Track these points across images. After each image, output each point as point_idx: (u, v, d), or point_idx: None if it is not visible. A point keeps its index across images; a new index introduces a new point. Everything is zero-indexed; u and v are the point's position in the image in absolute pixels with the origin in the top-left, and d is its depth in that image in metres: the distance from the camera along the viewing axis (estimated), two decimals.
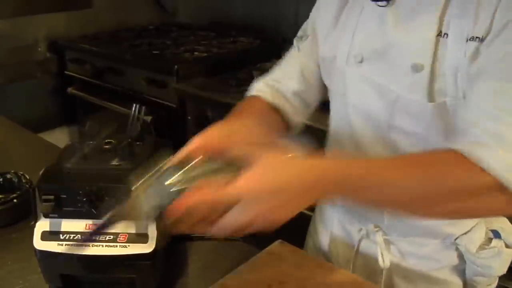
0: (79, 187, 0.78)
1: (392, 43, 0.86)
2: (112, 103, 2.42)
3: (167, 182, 0.69)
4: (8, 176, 1.14)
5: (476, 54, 0.76)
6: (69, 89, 2.70)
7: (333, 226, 1.10)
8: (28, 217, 1.05)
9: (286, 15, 2.54)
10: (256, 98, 1.03)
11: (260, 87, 1.05)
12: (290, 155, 0.70)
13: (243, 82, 1.95)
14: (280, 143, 0.74)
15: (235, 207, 0.65)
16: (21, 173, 1.14)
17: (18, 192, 1.06)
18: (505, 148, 0.67)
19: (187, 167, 0.71)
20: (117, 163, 0.82)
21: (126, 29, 2.96)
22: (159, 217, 0.73)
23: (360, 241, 1.04)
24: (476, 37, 0.75)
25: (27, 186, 1.09)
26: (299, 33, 1.10)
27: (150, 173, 0.72)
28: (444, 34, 0.80)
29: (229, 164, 0.70)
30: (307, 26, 1.08)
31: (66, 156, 0.84)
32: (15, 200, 1.04)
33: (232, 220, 0.66)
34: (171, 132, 2.14)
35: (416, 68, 0.82)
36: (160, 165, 0.73)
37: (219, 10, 2.96)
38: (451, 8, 0.80)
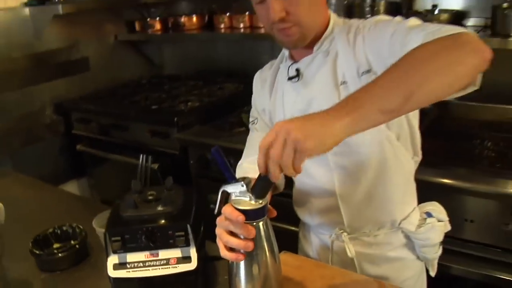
0: (138, 228, 1.09)
1: (310, 100, 1.21)
2: (119, 155, 2.65)
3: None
4: (64, 228, 1.43)
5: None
6: (78, 146, 2.91)
7: (311, 238, 1.40)
8: (85, 258, 1.36)
9: (263, 60, 2.83)
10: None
11: (246, 170, 1.27)
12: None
13: (234, 125, 2.24)
14: None
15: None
16: (75, 224, 1.43)
17: (78, 240, 1.36)
18: None
19: None
20: (161, 209, 1.13)
21: (121, 85, 3.19)
22: None
23: (332, 243, 1.32)
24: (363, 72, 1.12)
25: (83, 234, 1.38)
26: (250, 119, 1.42)
27: None
28: (343, 82, 1.15)
29: None
30: (253, 112, 1.41)
31: (122, 208, 1.15)
32: (77, 246, 1.34)
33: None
34: (176, 176, 2.37)
35: None
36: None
37: (203, 59, 3.25)
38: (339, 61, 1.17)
